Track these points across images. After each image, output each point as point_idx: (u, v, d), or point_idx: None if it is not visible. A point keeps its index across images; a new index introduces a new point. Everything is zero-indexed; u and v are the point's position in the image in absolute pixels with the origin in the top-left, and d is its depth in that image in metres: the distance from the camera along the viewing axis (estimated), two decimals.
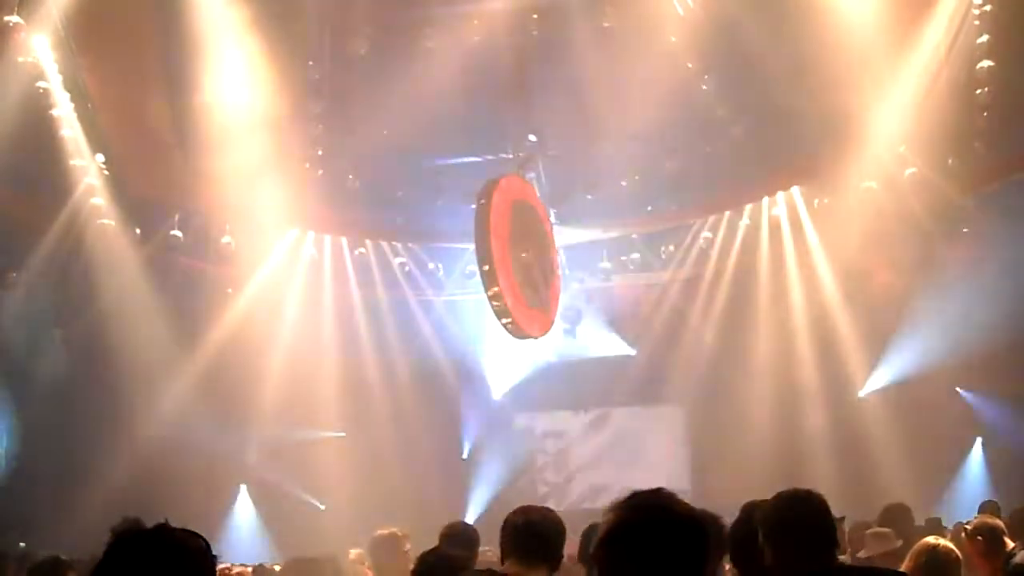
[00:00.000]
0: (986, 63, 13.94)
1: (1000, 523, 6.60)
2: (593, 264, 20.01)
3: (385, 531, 7.44)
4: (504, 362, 20.51)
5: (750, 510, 4.55)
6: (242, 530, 16.17)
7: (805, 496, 4.21)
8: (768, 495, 4.29)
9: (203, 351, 16.85)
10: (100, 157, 15.87)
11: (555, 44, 16.14)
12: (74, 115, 15.27)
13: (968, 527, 6.68)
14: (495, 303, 15.41)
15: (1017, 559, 6.30)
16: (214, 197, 16.38)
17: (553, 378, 20.55)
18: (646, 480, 20.01)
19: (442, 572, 4.59)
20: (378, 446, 18.61)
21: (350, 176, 17.79)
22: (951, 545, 6.13)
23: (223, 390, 17.00)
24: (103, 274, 15.87)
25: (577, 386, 20.64)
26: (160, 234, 16.97)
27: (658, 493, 2.72)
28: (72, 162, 15.50)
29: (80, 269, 15.66)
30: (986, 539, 6.50)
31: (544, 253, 17.35)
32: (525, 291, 16.53)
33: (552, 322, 17.75)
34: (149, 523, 7.80)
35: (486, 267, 15.37)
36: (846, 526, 9.55)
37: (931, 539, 6.28)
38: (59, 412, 14.80)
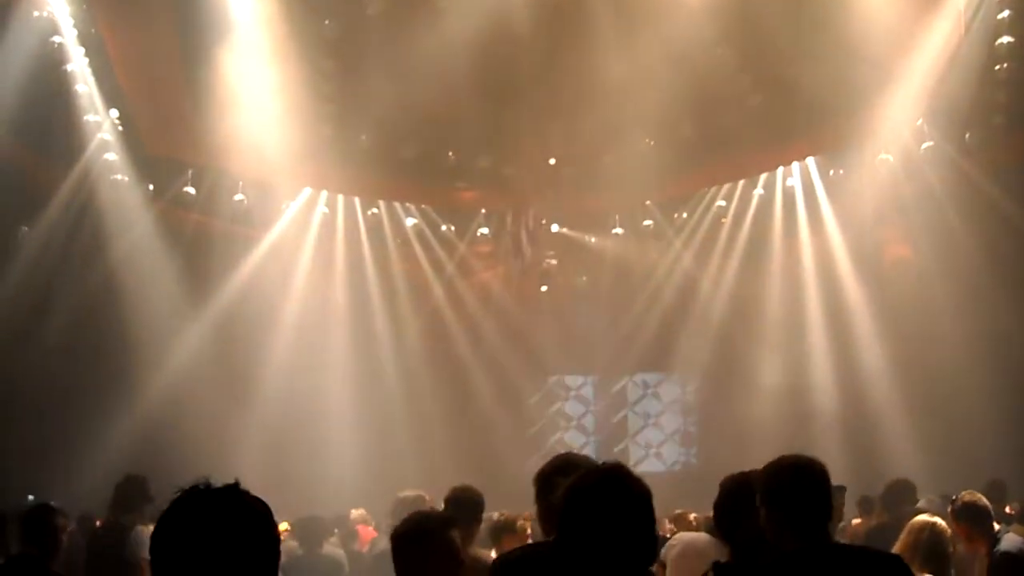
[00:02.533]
0: (1006, 39, 13.81)
1: (985, 502, 6.48)
2: (606, 231, 19.93)
3: (411, 493, 7.44)
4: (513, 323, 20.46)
5: (739, 479, 4.46)
6: (253, 488, 16.21)
7: (805, 463, 4.06)
8: None
9: (213, 309, 16.90)
10: (114, 112, 15.90)
11: (573, 3, 16.02)
12: (88, 70, 15.31)
13: (953, 507, 6.60)
14: None
15: (1003, 546, 6.24)
16: (227, 154, 16.32)
17: (565, 340, 20.53)
18: (651, 446, 20.31)
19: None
20: (386, 407, 18.65)
21: (363, 136, 17.67)
22: (943, 524, 6.12)
23: (232, 348, 17.05)
24: (114, 230, 15.91)
25: (586, 351, 20.65)
26: (173, 191, 16.99)
27: (616, 466, 2.96)
28: (86, 117, 15.53)
29: (91, 224, 15.68)
30: (969, 520, 6.42)
31: None
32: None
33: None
34: (153, 480, 7.91)
35: None
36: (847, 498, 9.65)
37: (926, 516, 6.26)
38: (66, 371, 14.82)
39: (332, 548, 10.22)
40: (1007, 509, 10.41)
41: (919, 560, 5.77)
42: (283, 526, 12.44)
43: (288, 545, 11.49)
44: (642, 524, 2.81)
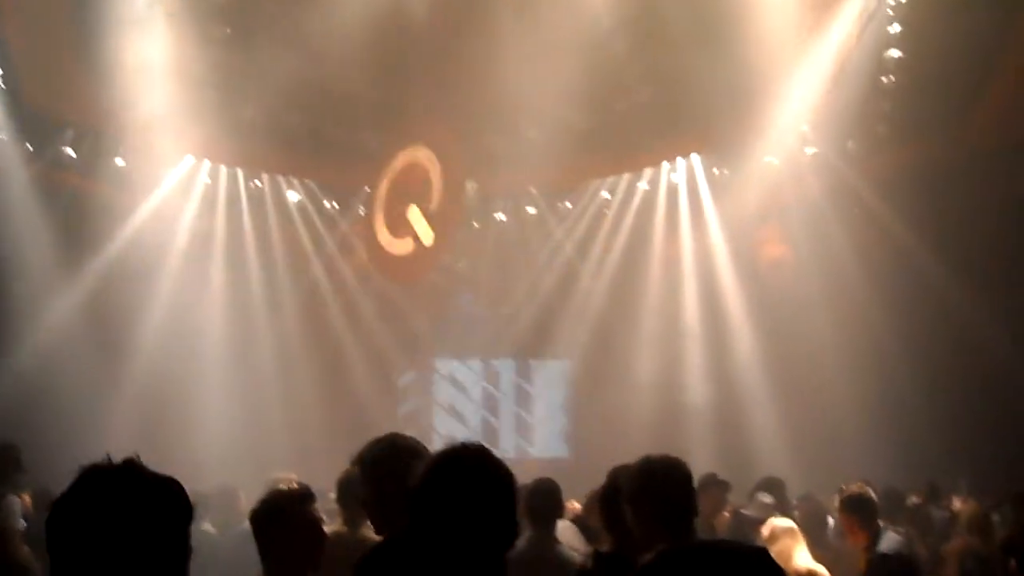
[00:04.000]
0: (895, 52, 14.17)
1: (872, 496, 6.66)
2: (489, 216, 19.97)
3: (283, 476, 7.38)
4: (392, 308, 20.38)
5: (618, 473, 4.56)
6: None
7: (669, 463, 4.21)
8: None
9: (88, 274, 16.50)
10: None
11: None
12: None
13: (840, 498, 6.77)
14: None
15: (882, 546, 6.42)
16: (110, 117, 15.94)
17: (442, 324, 20.54)
18: (529, 431, 20.43)
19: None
20: (260, 383, 18.45)
21: (250, 106, 17.41)
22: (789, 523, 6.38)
23: (106, 315, 16.66)
24: None
25: (464, 335, 20.67)
26: (52, 151, 16.52)
27: (479, 447, 2.89)
28: None
29: None
30: (854, 512, 6.59)
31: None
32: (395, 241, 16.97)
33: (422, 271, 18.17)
34: (24, 445, 7.70)
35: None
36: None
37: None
38: None
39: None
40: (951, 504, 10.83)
41: None
42: None
43: None
44: (504, 507, 2.78)
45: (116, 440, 15.60)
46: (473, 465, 2.76)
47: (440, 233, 18.26)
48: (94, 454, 2.29)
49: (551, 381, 21.26)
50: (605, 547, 4.63)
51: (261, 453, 15.11)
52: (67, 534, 2.21)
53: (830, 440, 14.94)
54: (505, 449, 19.10)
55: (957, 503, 10.98)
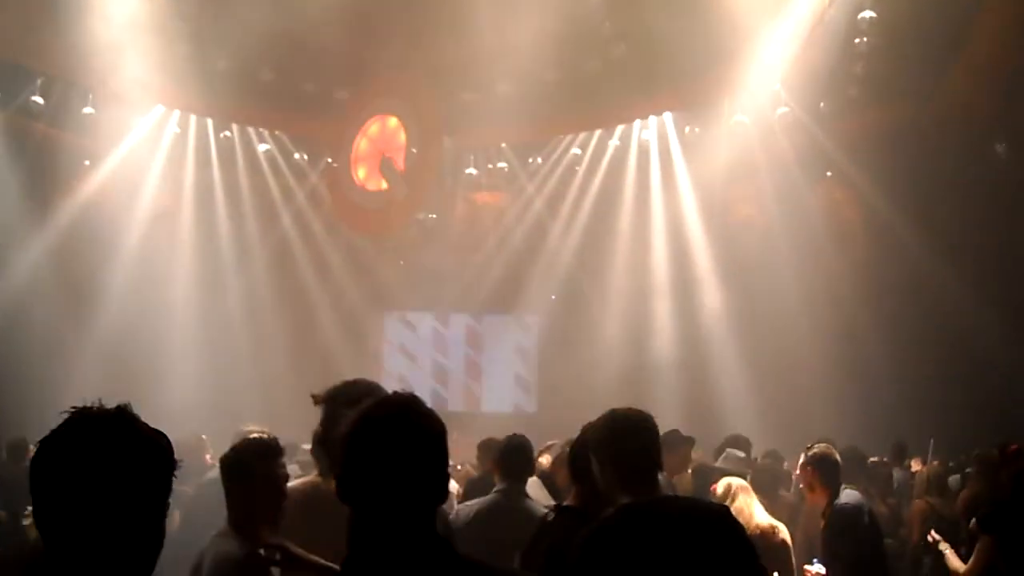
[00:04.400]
0: (869, 13, 14.15)
1: (836, 457, 6.73)
2: (459, 170, 19.91)
3: (254, 428, 7.40)
4: (360, 260, 20.36)
5: (588, 428, 4.59)
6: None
7: (635, 416, 4.17)
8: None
9: (56, 223, 16.41)
10: None
11: None
12: None
13: (806, 456, 6.83)
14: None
15: (840, 499, 6.47)
16: (79, 65, 15.77)
17: (411, 277, 20.51)
18: (492, 387, 20.49)
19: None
20: (228, 334, 18.42)
21: (221, 58, 17.26)
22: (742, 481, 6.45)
23: (74, 265, 16.61)
24: None
25: (432, 288, 20.66)
26: (20, 99, 16.35)
27: (408, 397, 2.75)
28: None
29: None
30: (817, 471, 6.66)
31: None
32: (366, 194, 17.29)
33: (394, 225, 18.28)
34: None
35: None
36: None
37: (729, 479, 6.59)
38: None
39: None
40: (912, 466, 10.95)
41: None
42: None
43: None
44: (429, 461, 2.65)
45: (81, 388, 15.56)
46: (397, 416, 2.64)
47: (414, 187, 18.26)
48: (58, 401, 2.28)
49: (518, 336, 21.30)
50: (569, 501, 4.67)
51: (230, 404, 15.13)
52: (53, 478, 2.17)
53: (796, 401, 15.08)
54: (472, 403, 19.17)
55: (916, 464, 11.12)
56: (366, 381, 4.06)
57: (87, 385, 15.47)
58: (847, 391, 14.74)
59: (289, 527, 4.10)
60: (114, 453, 2.18)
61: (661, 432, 4.54)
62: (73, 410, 2.20)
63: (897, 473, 10.49)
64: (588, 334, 18.50)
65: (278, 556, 3.85)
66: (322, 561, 3.85)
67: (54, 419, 2.18)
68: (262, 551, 3.87)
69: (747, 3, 14.41)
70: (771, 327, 16.14)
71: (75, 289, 16.57)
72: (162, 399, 15.04)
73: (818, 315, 15.82)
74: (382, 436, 2.60)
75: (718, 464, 8.66)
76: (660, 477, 5.32)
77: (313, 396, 4.03)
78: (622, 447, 4.08)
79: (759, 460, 9.59)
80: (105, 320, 16.60)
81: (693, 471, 8.81)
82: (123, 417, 2.24)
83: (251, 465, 4.08)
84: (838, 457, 6.71)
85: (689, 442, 8.36)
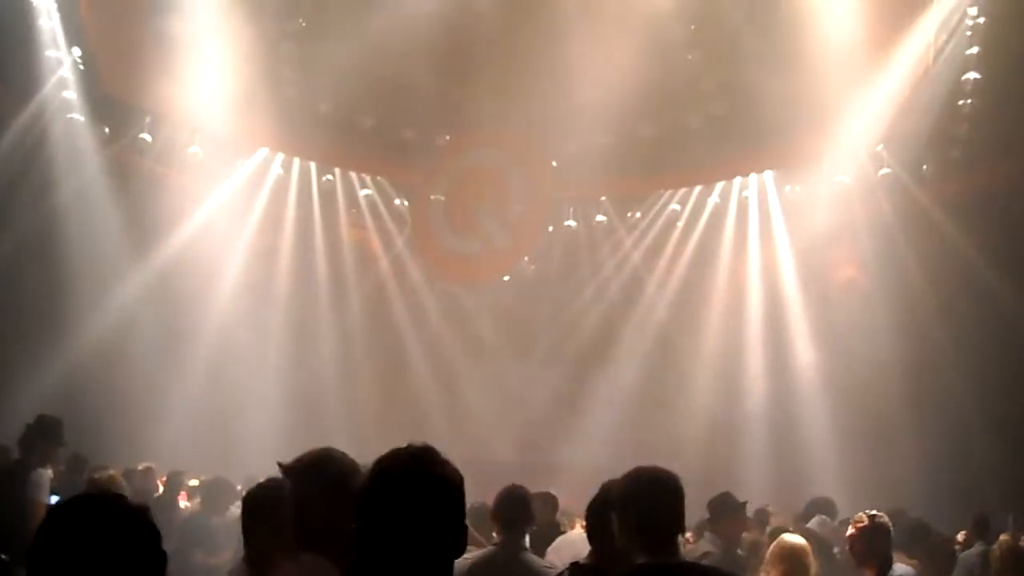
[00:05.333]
0: (973, 75, 13.90)
1: (886, 524, 6.42)
2: (558, 221, 19.89)
3: None
4: (457, 308, 20.40)
5: (608, 486, 4.47)
6: (176, 445, 16.05)
7: (661, 476, 4.12)
8: (698, 474, 4.18)
9: (156, 259, 16.71)
10: (76, 51, 15.67)
11: None
12: (54, 4, 15.08)
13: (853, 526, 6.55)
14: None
15: (896, 572, 6.21)
16: (187, 105, 16.15)
17: (506, 327, 20.49)
18: (577, 440, 20.31)
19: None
20: (320, 376, 18.58)
21: (323, 102, 17.55)
22: (801, 540, 6.18)
23: (171, 300, 16.90)
24: (65, 169, 15.70)
25: (529, 338, 20.61)
26: (128, 136, 16.77)
27: (423, 449, 2.68)
28: (47, 52, 15.30)
29: (42, 162, 15.45)
30: (866, 540, 6.38)
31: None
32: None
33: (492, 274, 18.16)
34: (74, 426, 7.85)
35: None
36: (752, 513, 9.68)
37: (788, 537, 6.33)
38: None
39: (237, 511, 10.21)
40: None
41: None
42: (193, 482, 12.46)
43: (193, 506, 11.56)
44: (450, 513, 2.59)
45: (174, 427, 15.90)
46: (413, 468, 2.59)
47: (520, 238, 18.29)
48: (151, 438, 2.36)
49: (610, 390, 21.10)
50: (586, 559, 4.59)
51: (315, 444, 15.17)
52: (39, 564, 2.25)
53: (888, 470, 14.70)
54: (562, 457, 19.00)
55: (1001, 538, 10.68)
56: (330, 452, 3.74)
57: (179, 422, 15.79)
58: (941, 458, 14.34)
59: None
60: (99, 537, 2.26)
61: (713, 495, 4.45)
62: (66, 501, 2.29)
63: (978, 548, 10.00)
64: (678, 390, 18.29)
65: None
66: None
67: (145, 454, 2.29)
68: None
69: (849, 62, 14.25)
70: (865, 391, 15.78)
71: (171, 325, 16.85)
72: (251, 438, 15.24)
73: (915, 381, 15.43)
74: (398, 489, 2.55)
75: (809, 526, 8.46)
76: (710, 544, 5.14)
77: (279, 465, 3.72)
78: (644, 506, 4.03)
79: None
80: (200, 357, 16.83)
81: (771, 535, 8.61)
82: (109, 502, 2.32)
83: (279, 502, 4.03)
84: (888, 525, 6.41)
85: (743, 506, 8.17)
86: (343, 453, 3.70)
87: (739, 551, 7.88)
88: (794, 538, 6.38)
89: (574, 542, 6.36)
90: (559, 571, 5.27)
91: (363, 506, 2.59)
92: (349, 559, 3.18)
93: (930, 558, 8.78)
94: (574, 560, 5.98)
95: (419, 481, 2.57)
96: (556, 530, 7.83)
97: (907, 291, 15.78)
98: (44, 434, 8.52)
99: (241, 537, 4.12)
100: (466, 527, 2.65)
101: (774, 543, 6.44)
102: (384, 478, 2.59)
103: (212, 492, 10.60)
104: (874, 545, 6.20)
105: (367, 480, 2.61)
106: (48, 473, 8.49)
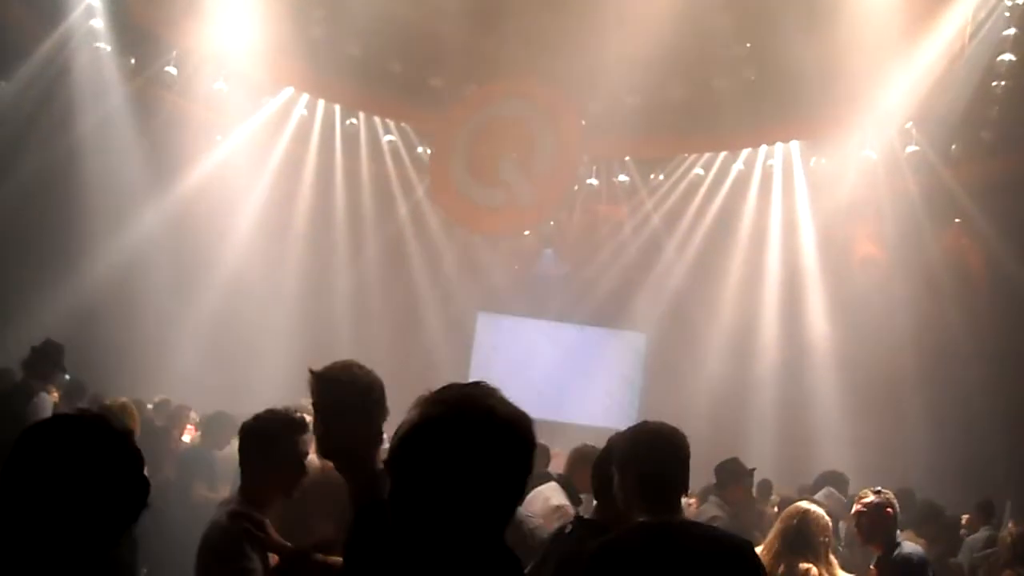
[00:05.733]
0: (1008, 56, 13.71)
1: (892, 502, 6.30)
2: (581, 179, 19.76)
3: None
4: (473, 260, 20.33)
5: (613, 442, 4.42)
6: (188, 379, 16.07)
7: (665, 432, 4.01)
8: (705, 439, 4.06)
9: (175, 192, 16.68)
10: None
11: None
12: None
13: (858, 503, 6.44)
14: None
15: (904, 549, 6.11)
16: (214, 41, 16.06)
17: (522, 282, 20.46)
18: (586, 399, 20.28)
19: None
20: (333, 319, 18.58)
21: (351, 45, 17.40)
22: (821, 511, 6.05)
23: (188, 234, 16.89)
24: (89, 98, 15.65)
25: (544, 295, 20.57)
26: (154, 68, 16.68)
27: (476, 385, 2.24)
28: None
29: (66, 89, 15.41)
30: (869, 517, 6.27)
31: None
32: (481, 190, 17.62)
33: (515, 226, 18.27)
34: (86, 352, 7.89)
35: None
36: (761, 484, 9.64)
37: (802, 503, 6.22)
38: (18, 231, 14.58)
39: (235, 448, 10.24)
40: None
41: (783, 546, 5.74)
42: (193, 416, 12.52)
43: (193, 440, 11.64)
44: (509, 463, 2.17)
45: (182, 357, 15.96)
46: (473, 411, 2.15)
47: (544, 195, 18.16)
48: (160, 367, 2.31)
49: (622, 352, 21.08)
50: (592, 515, 4.55)
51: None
52: (12, 480, 2.22)
53: (897, 446, 14.70)
54: (569, 416, 18.98)
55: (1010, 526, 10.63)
56: (359, 368, 3.72)
57: (188, 354, 15.82)
58: (949, 440, 14.29)
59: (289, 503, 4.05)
60: (77, 454, 2.23)
61: (721, 461, 4.37)
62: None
63: (983, 533, 9.96)
64: (691, 355, 18.27)
65: (247, 526, 3.78)
66: (286, 544, 3.79)
67: (155, 387, 2.25)
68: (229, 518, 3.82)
69: (884, 36, 14.04)
70: (877, 367, 15.75)
71: (186, 257, 16.86)
72: (258, 380, 15.25)
73: (928, 362, 15.39)
74: (449, 433, 2.12)
75: (816, 498, 8.38)
76: (718, 508, 5.09)
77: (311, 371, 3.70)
78: (646, 462, 3.93)
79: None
80: (213, 291, 16.85)
81: (780, 507, 8.59)
82: (96, 421, 2.28)
83: (275, 437, 4.01)
84: (896, 504, 6.30)
85: (750, 473, 8.12)
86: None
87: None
88: (809, 504, 6.24)
89: (542, 493, 6.31)
90: (537, 522, 5.22)
91: (405, 458, 2.16)
92: (366, 473, 3.15)
93: (938, 539, 8.75)
94: (546, 511, 5.96)
95: (478, 425, 2.14)
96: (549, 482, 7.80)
97: (926, 271, 15.70)
98: (47, 358, 8.55)
99: (239, 470, 4.10)
100: (523, 483, 2.24)
101: (786, 508, 6.32)
102: (435, 421, 2.14)
103: (212, 426, 10.64)
104: (880, 522, 6.12)
105: (408, 427, 2.17)
106: (50, 397, 8.51)
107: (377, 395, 3.54)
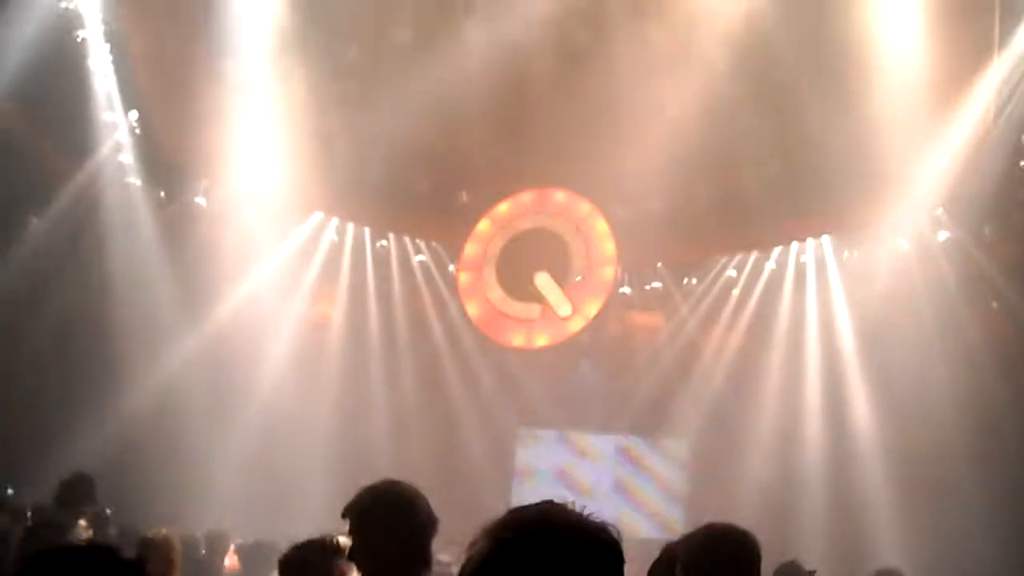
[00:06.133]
0: None
1: None
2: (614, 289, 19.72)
3: None
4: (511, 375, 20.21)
5: (671, 549, 4.28)
6: (227, 506, 15.93)
7: (733, 535, 3.83)
8: (760, 543, 3.89)
9: (210, 321, 16.73)
10: (133, 114, 15.85)
11: (594, 52, 15.98)
12: (111, 68, 15.28)
13: None
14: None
15: None
16: (242, 170, 16.27)
17: (559, 394, 20.30)
18: (634, 511, 19.96)
19: None
20: (371, 441, 18.43)
21: (377, 166, 17.59)
22: None
23: (223, 363, 16.88)
24: (121, 231, 15.83)
25: (581, 408, 20.40)
26: (184, 200, 16.88)
27: (547, 505, 2.05)
28: (103, 116, 15.48)
29: (98, 223, 15.61)
30: None
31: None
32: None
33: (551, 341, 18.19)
34: (123, 483, 7.81)
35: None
36: None
37: None
38: (55, 365, 14.66)
39: None
40: None
41: None
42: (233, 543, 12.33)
43: (232, 569, 11.44)
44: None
45: (218, 484, 15.83)
46: (564, 537, 1.97)
47: (583, 307, 18.14)
48: (199, 496, 2.25)
49: (666, 460, 20.79)
50: None
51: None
52: None
53: (952, 532, 14.33)
54: (615, 527, 18.69)
55: None
56: (397, 484, 3.86)
57: (225, 486, 15.70)
58: (1006, 522, 13.95)
59: None
60: None
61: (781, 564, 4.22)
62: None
63: None
64: (734, 459, 17.99)
65: None
66: None
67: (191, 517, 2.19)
68: None
69: (907, 124, 14.08)
70: (926, 455, 15.46)
71: (222, 389, 16.81)
72: (299, 507, 15.10)
73: (977, 445, 15.10)
74: (541, 561, 1.92)
75: None
76: None
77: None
78: (720, 568, 3.76)
79: None
80: (250, 421, 16.77)
81: None
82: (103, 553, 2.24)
83: (313, 563, 4.08)
84: None
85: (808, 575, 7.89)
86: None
87: None
88: None
89: None
90: None
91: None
92: None
93: None
94: None
95: (571, 553, 1.95)
96: None
97: (968, 356, 15.48)
98: (77, 490, 8.48)
99: None
100: None
101: None
102: (524, 545, 1.94)
103: (251, 556, 10.46)
104: None
105: (480, 559, 1.95)
106: (82, 531, 8.41)
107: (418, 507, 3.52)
